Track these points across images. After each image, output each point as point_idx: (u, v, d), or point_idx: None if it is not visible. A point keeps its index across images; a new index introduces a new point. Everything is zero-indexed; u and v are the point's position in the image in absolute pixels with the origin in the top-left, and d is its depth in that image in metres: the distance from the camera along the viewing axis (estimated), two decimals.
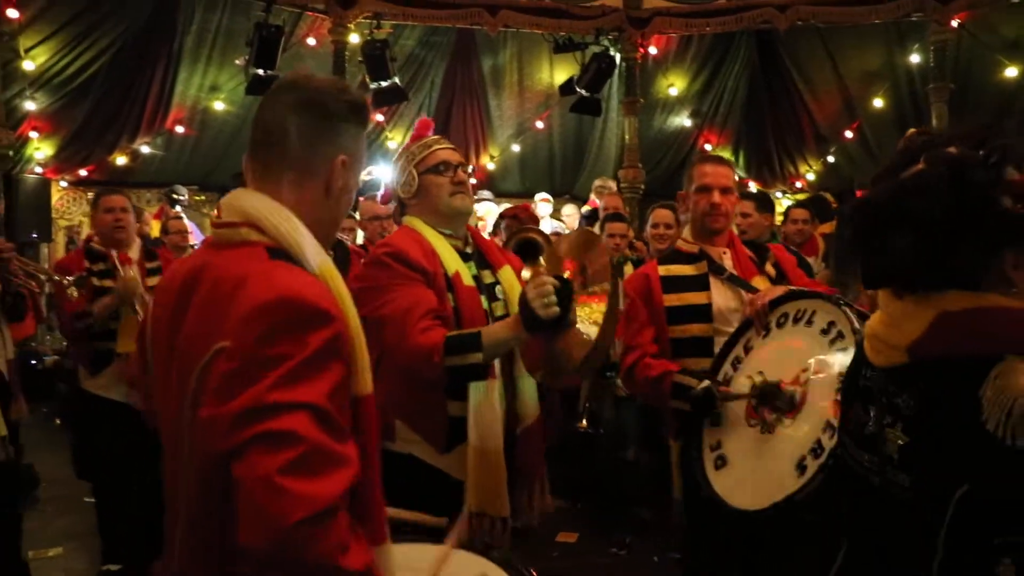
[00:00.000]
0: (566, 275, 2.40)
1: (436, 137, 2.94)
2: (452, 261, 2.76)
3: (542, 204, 9.76)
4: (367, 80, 10.06)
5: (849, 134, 12.07)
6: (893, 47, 11.27)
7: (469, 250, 2.89)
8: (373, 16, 10.02)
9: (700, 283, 3.20)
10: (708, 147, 12.27)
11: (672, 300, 3.19)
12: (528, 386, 2.85)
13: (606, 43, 10.72)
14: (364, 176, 9.72)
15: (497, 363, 2.69)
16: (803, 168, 12.98)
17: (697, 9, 10.66)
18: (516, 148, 12.71)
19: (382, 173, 10.01)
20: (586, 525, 5.88)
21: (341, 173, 1.66)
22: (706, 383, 2.95)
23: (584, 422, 5.97)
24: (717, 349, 3.09)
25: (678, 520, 3.42)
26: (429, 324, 2.54)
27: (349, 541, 1.33)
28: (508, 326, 2.48)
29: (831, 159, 12.58)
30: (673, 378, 3.06)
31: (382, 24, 10.18)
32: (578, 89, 10.71)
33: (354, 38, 10.18)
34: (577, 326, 2.48)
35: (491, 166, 12.75)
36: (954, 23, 10.04)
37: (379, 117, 11.56)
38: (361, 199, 6.66)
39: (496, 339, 2.47)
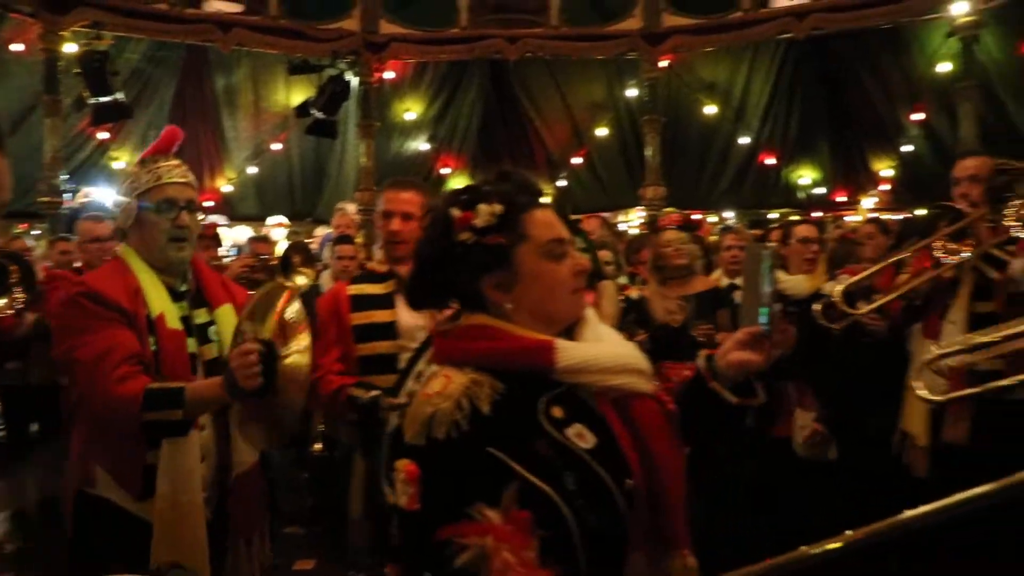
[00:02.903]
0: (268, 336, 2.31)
1: (173, 164, 2.67)
2: (158, 301, 2.57)
3: (276, 229, 9.59)
4: (85, 95, 9.41)
5: (578, 160, 12.88)
6: (614, 81, 12.23)
7: (185, 288, 2.70)
8: (92, 25, 9.37)
9: (387, 302, 3.23)
10: (446, 171, 12.63)
11: (359, 319, 3.22)
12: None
13: (342, 66, 10.74)
14: (82, 198, 9.08)
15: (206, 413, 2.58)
16: None
17: (432, 36, 10.96)
18: (253, 170, 12.39)
19: (103, 195, 9.40)
20: (324, 551, 5.82)
21: None
22: (374, 393, 3.00)
23: (319, 445, 5.91)
24: (403, 365, 3.15)
25: (356, 539, 3.43)
26: (127, 371, 2.38)
27: None
28: (213, 387, 2.37)
29: (562, 183, 13.35)
30: (347, 391, 3.10)
31: (102, 35, 9.54)
32: (313, 112, 10.64)
33: (71, 47, 9.47)
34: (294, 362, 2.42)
35: (227, 188, 12.34)
36: (662, 63, 11.05)
37: (102, 135, 10.85)
38: (79, 221, 6.22)
39: (200, 398, 2.38)
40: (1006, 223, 3.06)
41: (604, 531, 1.51)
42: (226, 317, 2.70)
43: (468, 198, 1.63)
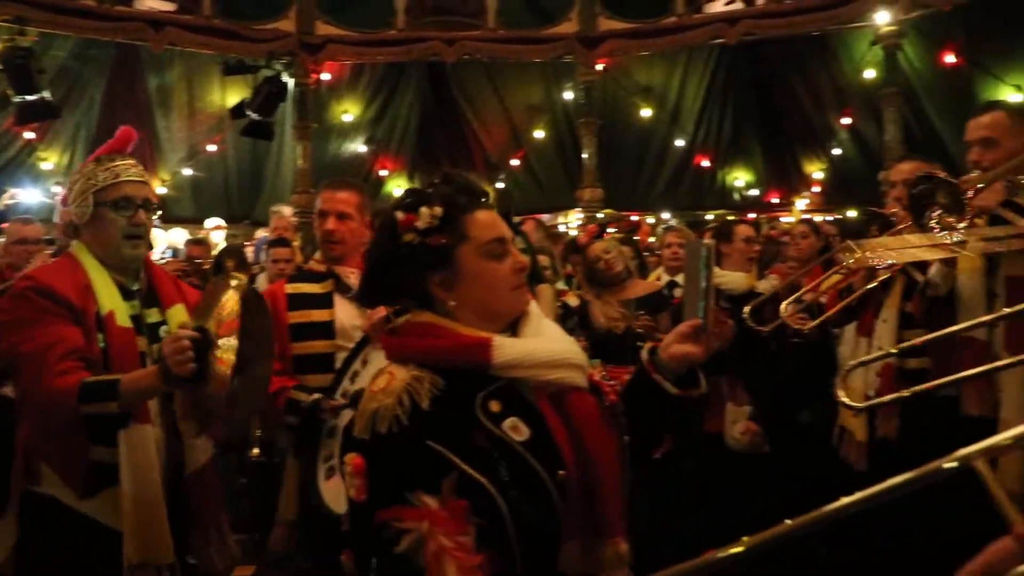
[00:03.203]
0: (211, 326, 2.34)
1: (129, 163, 2.70)
2: (108, 299, 2.57)
3: (215, 231, 9.46)
4: (9, 92, 9.15)
5: (516, 162, 12.96)
6: (551, 84, 12.35)
7: (136, 287, 2.71)
8: (15, 20, 9.09)
9: (325, 301, 3.24)
10: (384, 173, 12.59)
11: (296, 317, 3.22)
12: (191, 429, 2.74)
13: (278, 67, 10.65)
14: (8, 199, 8.83)
15: (154, 408, 2.57)
16: None
17: (369, 38, 10.95)
18: (188, 172, 12.19)
19: (30, 196, 9.18)
20: (263, 557, 5.77)
21: None
22: (316, 396, 3.03)
23: (257, 450, 5.86)
24: (339, 365, 3.18)
25: (276, 543, 3.42)
26: (68, 366, 2.38)
27: None
28: (149, 376, 2.38)
29: (501, 184, 13.43)
30: (287, 394, 3.10)
31: (26, 31, 9.27)
32: (249, 113, 10.52)
33: None
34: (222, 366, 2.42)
35: (162, 190, 12.12)
36: (599, 67, 11.20)
37: (28, 135, 10.58)
38: (7, 224, 6.07)
39: (136, 388, 2.38)
40: (930, 229, 3.18)
41: (538, 520, 1.59)
42: (177, 317, 2.71)
43: (411, 201, 1.72)
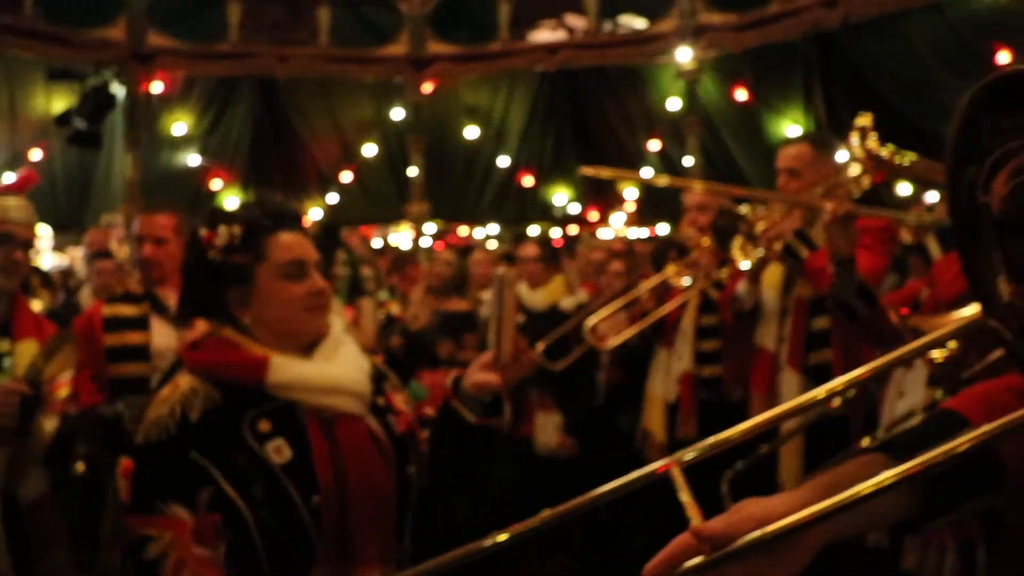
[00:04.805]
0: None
1: (20, 204, 2.81)
2: None
3: (41, 240, 9.31)
4: None
5: (348, 176, 13.29)
6: (382, 102, 12.77)
7: None
8: None
9: (141, 324, 3.22)
10: (217, 186, 12.59)
11: (113, 340, 3.19)
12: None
13: (107, 76, 10.50)
14: None
15: None
16: (308, 206, 13.92)
17: (201, 51, 11.03)
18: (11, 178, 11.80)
19: None
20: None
21: None
22: (118, 407, 3.03)
23: (80, 465, 5.95)
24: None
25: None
26: None
27: None
28: None
29: (333, 198, 13.68)
30: (95, 409, 3.07)
31: None
32: (76, 121, 10.31)
33: None
34: None
35: None
36: (427, 87, 11.77)
37: None
38: None
39: None
40: (732, 256, 3.34)
41: (287, 543, 1.63)
42: (26, 350, 2.76)
43: (213, 219, 1.78)
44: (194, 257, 1.80)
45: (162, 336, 3.20)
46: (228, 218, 1.76)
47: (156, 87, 11.33)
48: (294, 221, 1.83)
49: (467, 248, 9.01)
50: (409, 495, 1.84)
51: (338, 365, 1.79)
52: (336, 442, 1.71)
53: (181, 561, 1.53)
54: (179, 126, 12.08)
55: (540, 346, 4.17)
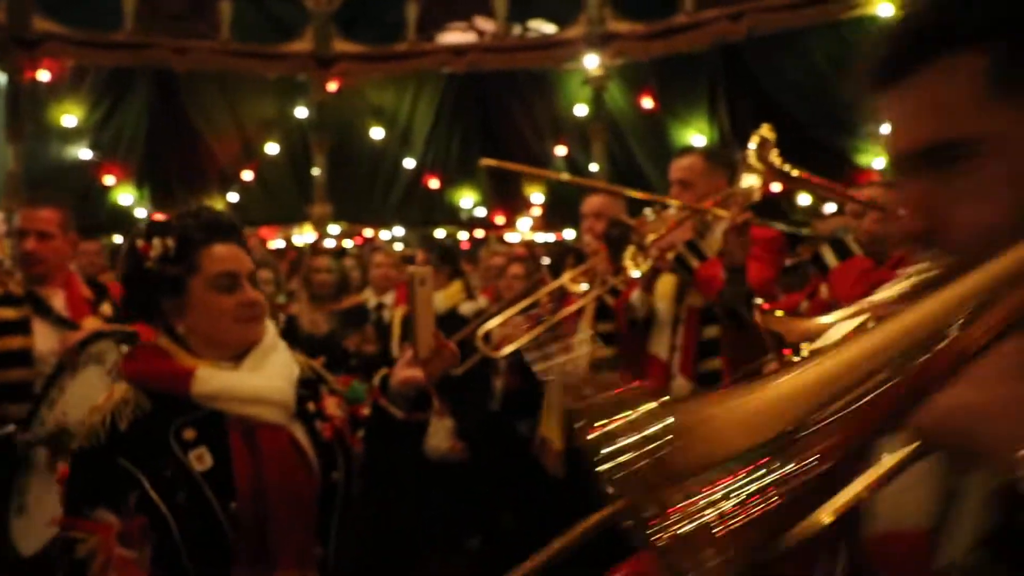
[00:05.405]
0: None
1: None
2: None
3: None
4: None
5: (248, 175, 12.96)
6: (286, 100, 12.50)
7: None
8: None
9: (22, 327, 3.10)
10: (110, 181, 12.11)
11: None
12: None
13: None
14: None
15: None
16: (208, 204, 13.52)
17: (93, 39, 10.59)
18: None
19: None
20: None
21: None
22: (9, 428, 2.90)
23: None
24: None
25: None
26: None
27: None
28: None
29: (234, 197, 13.33)
30: None
31: None
32: None
33: None
34: None
35: None
36: (332, 86, 11.57)
37: None
38: None
39: None
40: (624, 265, 3.36)
41: (207, 545, 1.71)
42: None
43: (148, 231, 1.83)
44: (131, 267, 1.85)
45: (45, 339, 3.10)
46: (162, 230, 1.81)
47: (43, 75, 10.82)
48: (228, 232, 1.86)
49: (342, 252, 8.87)
50: (333, 500, 1.88)
51: (264, 375, 1.85)
52: (257, 450, 1.77)
53: (106, 563, 1.61)
54: (69, 118, 11.58)
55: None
